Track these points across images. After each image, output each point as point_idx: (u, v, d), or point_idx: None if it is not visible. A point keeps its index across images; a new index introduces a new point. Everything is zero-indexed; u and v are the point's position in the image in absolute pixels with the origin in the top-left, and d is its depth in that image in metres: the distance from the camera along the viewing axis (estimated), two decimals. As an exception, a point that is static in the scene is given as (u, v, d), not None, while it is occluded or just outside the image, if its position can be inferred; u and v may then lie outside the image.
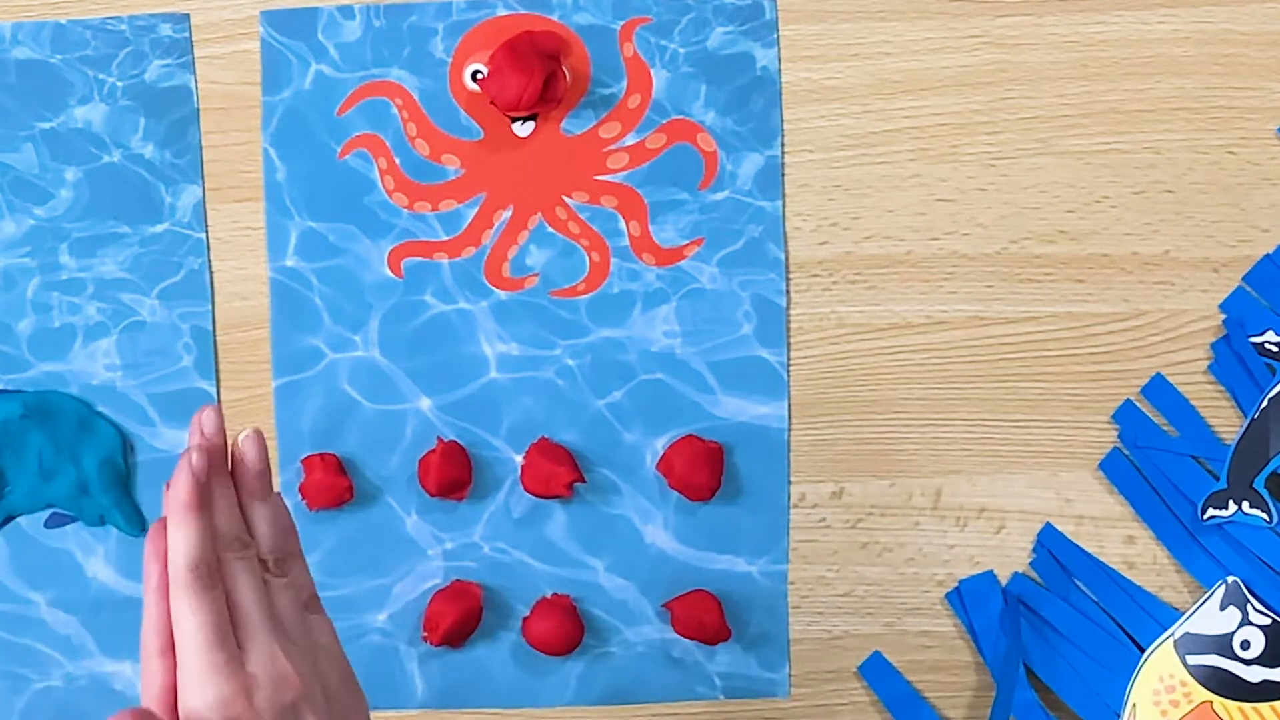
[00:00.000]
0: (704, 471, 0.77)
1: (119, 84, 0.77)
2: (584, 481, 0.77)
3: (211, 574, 0.57)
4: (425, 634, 0.77)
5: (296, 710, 0.56)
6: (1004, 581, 0.79)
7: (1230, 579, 0.76)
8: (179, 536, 0.57)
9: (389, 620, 0.78)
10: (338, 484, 0.77)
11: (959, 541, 0.79)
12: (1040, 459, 0.79)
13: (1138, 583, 0.78)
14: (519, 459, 0.78)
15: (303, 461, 0.78)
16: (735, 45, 0.78)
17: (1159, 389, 0.78)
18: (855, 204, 0.78)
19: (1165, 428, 0.78)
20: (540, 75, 0.75)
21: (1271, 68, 0.78)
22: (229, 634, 0.56)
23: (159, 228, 0.78)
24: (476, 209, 0.78)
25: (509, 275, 0.78)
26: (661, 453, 0.78)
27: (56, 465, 0.77)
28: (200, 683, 0.55)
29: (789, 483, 0.78)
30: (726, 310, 0.78)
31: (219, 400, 0.78)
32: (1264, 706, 0.76)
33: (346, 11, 0.78)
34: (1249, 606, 0.76)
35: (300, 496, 0.78)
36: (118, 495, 0.77)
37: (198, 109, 0.78)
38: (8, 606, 0.78)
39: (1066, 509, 0.79)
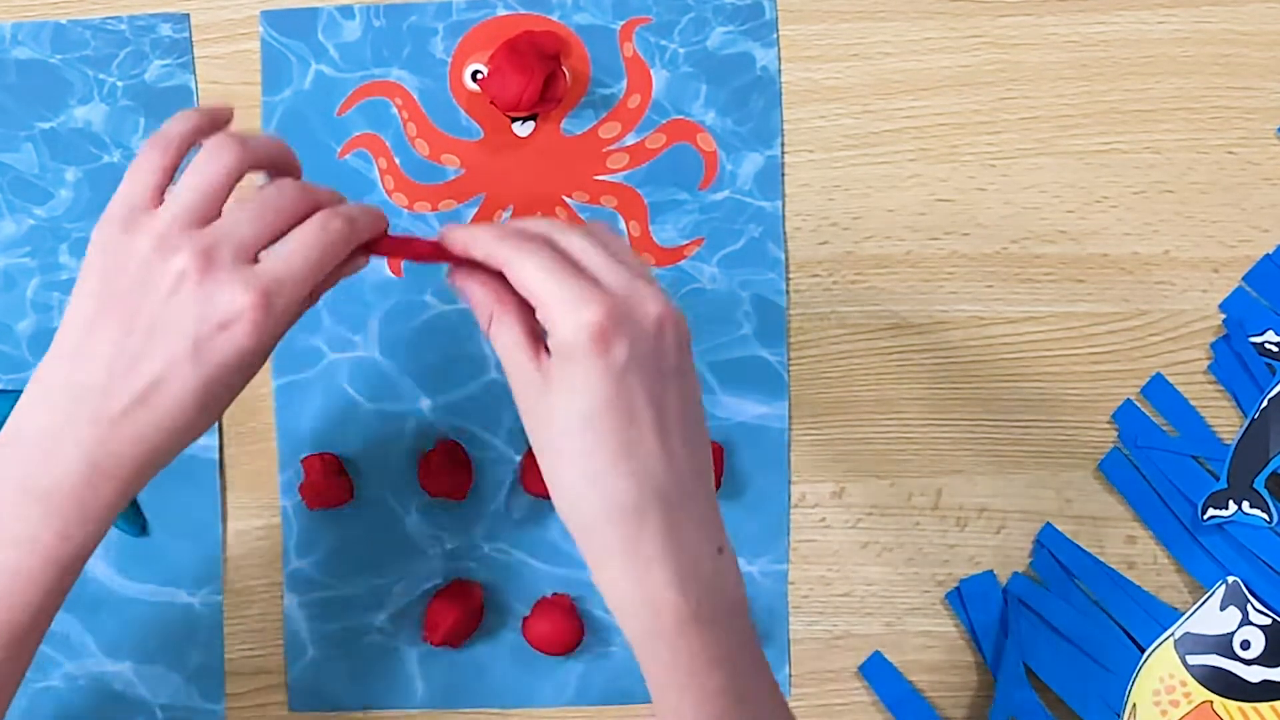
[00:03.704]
0: (704, 471, 0.77)
1: (119, 84, 0.77)
2: (584, 481, 0.77)
3: None
4: (425, 634, 0.77)
5: None
6: (1004, 581, 0.79)
7: (1230, 579, 0.77)
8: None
9: (389, 620, 0.78)
10: (338, 484, 0.77)
11: (959, 541, 0.79)
12: (1040, 459, 0.79)
13: (1138, 583, 0.78)
14: (519, 459, 0.78)
15: (303, 461, 0.78)
16: (735, 45, 0.78)
17: (1159, 389, 0.78)
18: (855, 204, 0.78)
19: (1165, 428, 0.78)
20: (540, 75, 0.75)
21: (1271, 68, 0.78)
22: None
23: (159, 228, 0.78)
24: (476, 209, 0.78)
25: (509, 275, 0.78)
26: (661, 453, 0.78)
27: (56, 465, 0.77)
28: None
29: (789, 483, 0.79)
30: (726, 310, 0.78)
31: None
32: (1264, 706, 0.76)
33: (346, 11, 0.78)
34: (1249, 606, 0.76)
35: (300, 496, 0.78)
36: (118, 495, 0.76)
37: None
38: (8, 606, 0.78)
39: (1066, 509, 0.79)
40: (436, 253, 0.63)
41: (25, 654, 0.62)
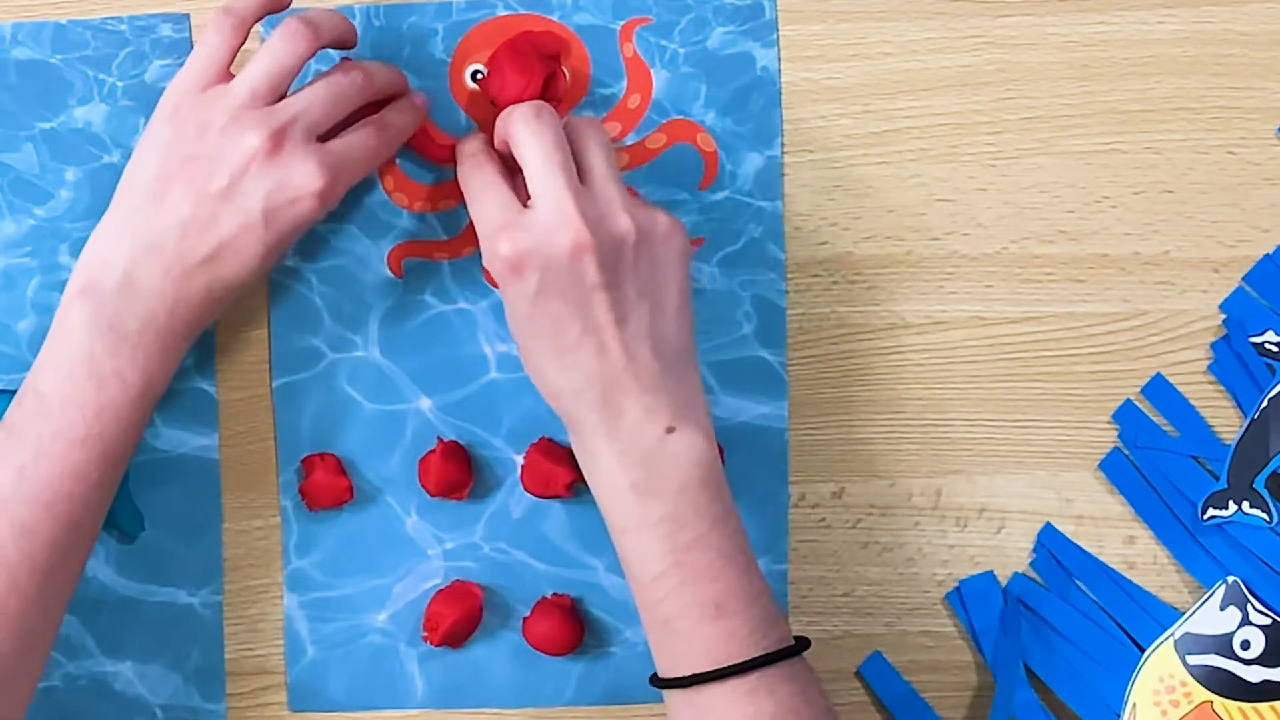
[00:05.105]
0: (704, 471, 0.76)
1: (119, 84, 0.77)
2: (584, 482, 0.77)
3: None
4: (425, 634, 0.77)
5: None
6: (1004, 581, 0.79)
7: (1230, 579, 0.76)
8: None
9: (389, 620, 0.78)
10: (338, 484, 0.77)
11: (959, 541, 0.79)
12: (1040, 459, 0.79)
13: (1138, 583, 0.78)
14: (519, 459, 0.78)
15: (303, 461, 0.78)
16: (735, 45, 0.78)
17: (1159, 389, 0.78)
18: (855, 204, 0.78)
19: (1165, 428, 0.78)
20: (540, 75, 0.75)
21: (1271, 68, 0.78)
22: None
23: (159, 228, 0.78)
24: (476, 209, 0.78)
25: (509, 275, 0.78)
26: (661, 453, 0.78)
27: (56, 465, 0.77)
28: None
29: (789, 483, 0.78)
30: (726, 310, 0.78)
31: (217, 400, 0.78)
32: (1264, 706, 0.76)
33: (346, 12, 0.78)
34: (1249, 606, 0.76)
35: (300, 496, 0.78)
36: (118, 495, 0.76)
37: (198, 109, 0.78)
38: (8, 606, 0.78)
39: (1066, 509, 0.79)
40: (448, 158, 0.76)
41: (117, 474, 0.70)
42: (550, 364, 0.68)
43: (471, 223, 0.78)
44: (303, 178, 0.68)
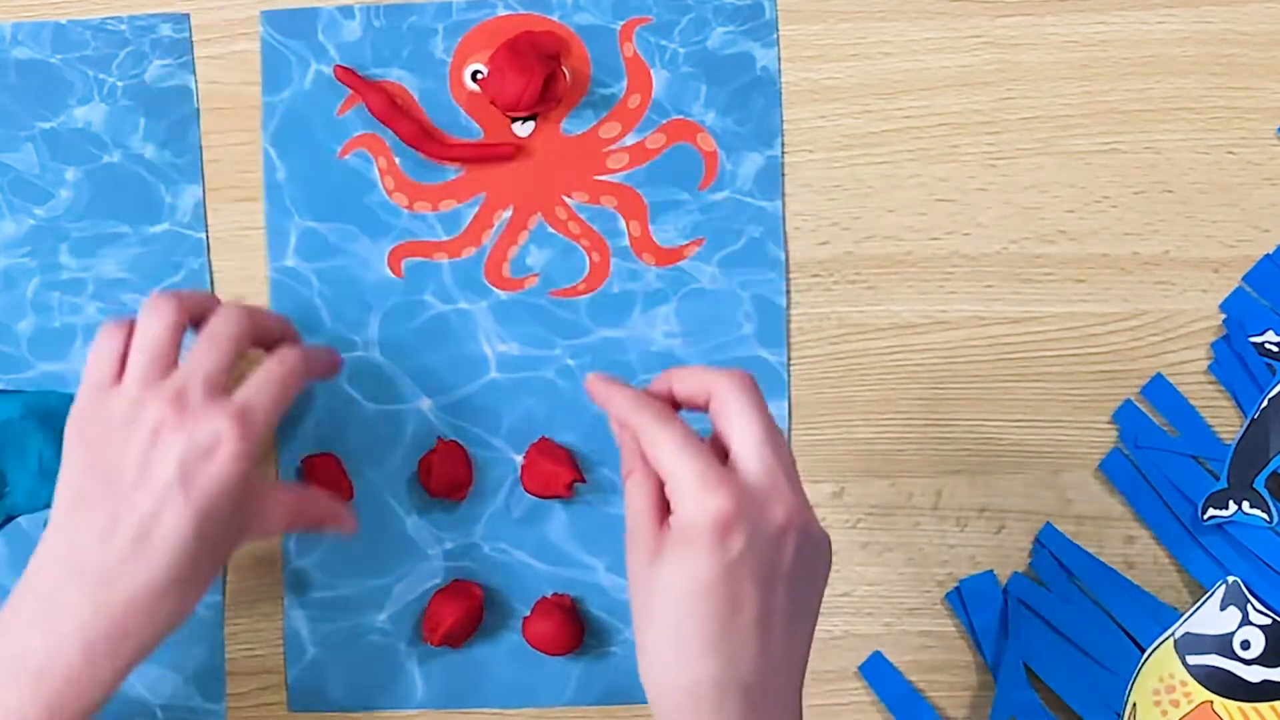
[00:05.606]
0: (704, 471, 0.76)
1: (119, 84, 0.77)
2: (584, 482, 0.77)
3: None
4: (425, 634, 0.77)
5: None
6: (1004, 581, 0.79)
7: (1230, 579, 0.76)
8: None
9: (389, 620, 0.78)
10: (338, 484, 0.77)
11: (959, 541, 0.79)
12: (1040, 459, 0.79)
13: (1138, 583, 0.78)
14: (519, 459, 0.78)
15: (303, 461, 0.78)
16: (735, 45, 0.78)
17: (1159, 389, 0.78)
18: (855, 204, 0.78)
19: (1165, 428, 0.78)
20: (540, 75, 0.75)
21: (1271, 68, 0.78)
22: None
23: (159, 228, 0.78)
24: (476, 209, 0.78)
25: (509, 275, 0.78)
26: (661, 453, 0.78)
27: (56, 466, 0.77)
28: None
29: (789, 483, 0.78)
30: (726, 310, 0.78)
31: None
32: (1264, 706, 0.76)
33: (346, 11, 0.78)
34: (1249, 606, 0.76)
35: (300, 496, 0.78)
36: (118, 495, 0.76)
37: (198, 109, 0.78)
38: (8, 606, 0.78)
39: (1066, 509, 0.79)
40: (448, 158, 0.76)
41: None
42: (699, 647, 0.59)
43: (472, 222, 0.78)
44: (211, 429, 0.64)
